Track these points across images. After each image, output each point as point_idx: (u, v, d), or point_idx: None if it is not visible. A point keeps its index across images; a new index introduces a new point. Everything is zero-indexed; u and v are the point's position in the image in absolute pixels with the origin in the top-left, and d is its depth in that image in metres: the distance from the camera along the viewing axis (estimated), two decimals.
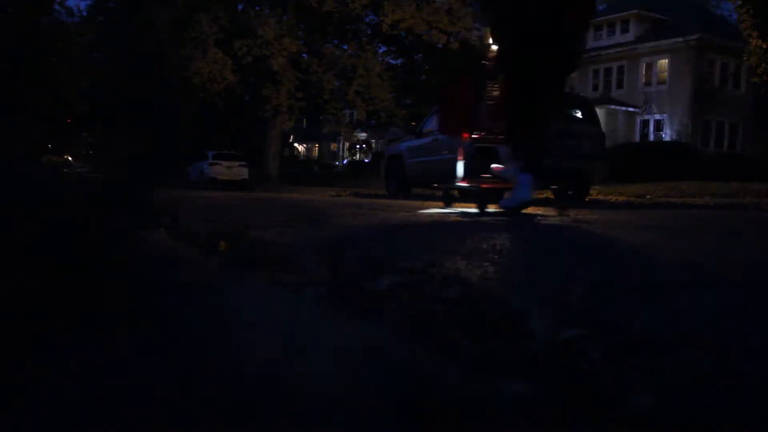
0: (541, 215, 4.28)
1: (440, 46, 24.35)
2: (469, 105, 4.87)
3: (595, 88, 28.73)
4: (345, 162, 40.62)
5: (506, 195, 4.23)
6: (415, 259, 1.66)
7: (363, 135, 40.55)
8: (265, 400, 0.54)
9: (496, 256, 1.91)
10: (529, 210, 4.40)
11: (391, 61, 30.21)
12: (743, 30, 16.39)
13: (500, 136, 4.62)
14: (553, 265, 1.85)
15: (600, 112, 16.17)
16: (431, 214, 4.29)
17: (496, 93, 4.63)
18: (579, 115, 9.88)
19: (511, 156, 4.11)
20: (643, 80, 27.18)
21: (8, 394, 0.56)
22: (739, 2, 16.11)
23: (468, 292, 1.17)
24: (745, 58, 17.49)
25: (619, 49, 27.78)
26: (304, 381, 0.58)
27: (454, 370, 0.65)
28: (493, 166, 4.61)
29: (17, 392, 0.56)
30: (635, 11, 27.71)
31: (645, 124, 26.95)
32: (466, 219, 3.83)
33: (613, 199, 9.54)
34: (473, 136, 4.88)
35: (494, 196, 4.55)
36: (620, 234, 3.01)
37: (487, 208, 4.26)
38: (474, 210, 4.41)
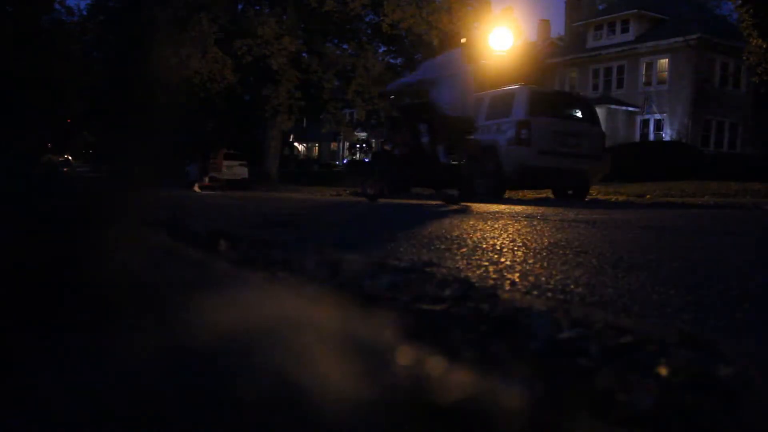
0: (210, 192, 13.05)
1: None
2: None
3: (595, 87, 28.72)
4: (345, 162, 40.59)
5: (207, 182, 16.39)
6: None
7: (363, 135, 40.50)
8: (267, 400, 0.54)
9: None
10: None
11: (391, 60, 30.14)
12: (743, 30, 16.38)
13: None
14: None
15: (600, 111, 16.16)
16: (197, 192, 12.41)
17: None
18: (579, 114, 9.87)
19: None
20: (643, 80, 27.17)
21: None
22: (739, 2, 16.10)
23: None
24: (745, 58, 17.48)
25: (619, 49, 27.77)
26: (305, 382, 0.58)
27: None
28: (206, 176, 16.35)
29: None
30: (635, 11, 27.69)
31: (645, 123, 26.94)
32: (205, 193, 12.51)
33: (613, 199, 9.53)
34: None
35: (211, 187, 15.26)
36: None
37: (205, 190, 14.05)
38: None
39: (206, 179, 18.08)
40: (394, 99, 7.26)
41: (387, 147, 6.97)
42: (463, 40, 6.90)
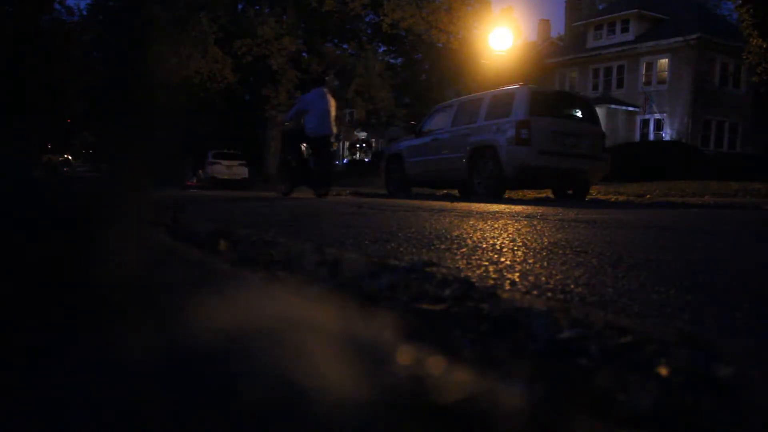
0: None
1: (440, 45, 24.37)
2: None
3: (595, 87, 28.71)
4: (345, 161, 40.61)
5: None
6: None
7: (363, 134, 40.49)
8: (267, 399, 0.54)
9: None
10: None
11: (391, 60, 30.14)
12: (743, 29, 16.38)
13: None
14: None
15: (600, 111, 16.16)
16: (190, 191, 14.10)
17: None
18: (579, 114, 9.87)
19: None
20: (643, 80, 27.16)
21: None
22: (739, 2, 16.10)
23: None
24: (745, 58, 17.47)
25: (619, 49, 27.75)
26: (304, 382, 0.58)
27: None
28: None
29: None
30: (635, 11, 27.69)
31: (645, 123, 26.94)
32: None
33: (613, 199, 9.53)
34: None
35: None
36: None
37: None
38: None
39: (194, 179, 18.93)
40: (288, 125, 9.82)
41: (289, 157, 9.73)
42: (327, 78, 9.62)
